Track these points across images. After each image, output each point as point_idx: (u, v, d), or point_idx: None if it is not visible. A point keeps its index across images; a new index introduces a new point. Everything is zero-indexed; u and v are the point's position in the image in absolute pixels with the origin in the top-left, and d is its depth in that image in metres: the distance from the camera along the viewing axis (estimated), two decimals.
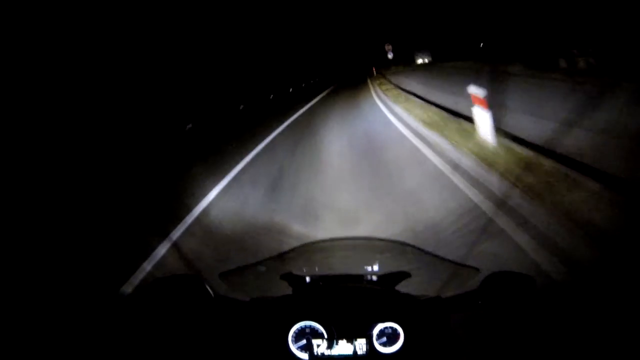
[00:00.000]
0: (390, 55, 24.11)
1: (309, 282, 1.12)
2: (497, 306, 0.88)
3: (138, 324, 1.43)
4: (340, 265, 1.44)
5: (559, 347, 1.19)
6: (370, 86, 16.74)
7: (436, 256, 1.45)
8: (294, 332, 0.92)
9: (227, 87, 22.88)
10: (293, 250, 1.53)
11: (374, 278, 1.12)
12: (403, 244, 1.58)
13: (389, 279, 1.06)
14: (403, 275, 1.06)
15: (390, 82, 15.38)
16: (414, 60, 29.35)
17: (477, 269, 1.22)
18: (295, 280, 1.08)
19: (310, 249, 1.56)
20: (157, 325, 1.04)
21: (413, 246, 1.52)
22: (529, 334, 1.04)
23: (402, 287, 1.04)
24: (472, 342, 1.02)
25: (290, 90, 26.95)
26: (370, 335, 0.91)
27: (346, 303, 0.96)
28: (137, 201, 5.10)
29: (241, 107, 17.07)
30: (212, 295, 0.92)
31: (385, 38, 36.75)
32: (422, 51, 30.33)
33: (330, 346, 0.90)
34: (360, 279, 1.14)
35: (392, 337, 0.91)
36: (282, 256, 1.51)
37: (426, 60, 29.32)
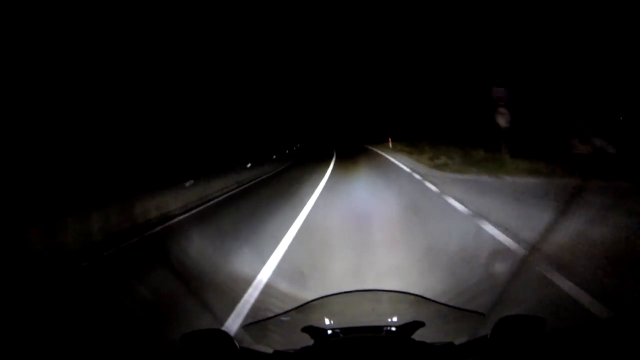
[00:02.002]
0: (504, 121, 8.78)
1: (329, 334, 1.16)
2: (509, 350, 0.90)
3: None
4: (357, 317, 1.47)
5: None
6: None
7: (442, 304, 1.47)
8: None
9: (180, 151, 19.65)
10: (312, 302, 1.57)
11: (392, 329, 1.16)
12: (412, 295, 1.63)
13: (405, 329, 1.10)
14: (418, 325, 1.10)
15: None
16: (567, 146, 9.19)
17: (482, 314, 1.26)
18: (316, 332, 1.12)
19: (327, 302, 1.60)
20: None
21: (421, 296, 1.56)
22: None
23: (417, 336, 1.08)
24: None
25: (274, 157, 23.41)
26: None
27: (365, 353, 1.00)
28: None
29: (188, 184, 10.16)
30: (238, 347, 0.97)
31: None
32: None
33: None
34: (378, 330, 1.17)
35: None
36: (301, 308, 1.56)
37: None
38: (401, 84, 35.26)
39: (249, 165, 15.74)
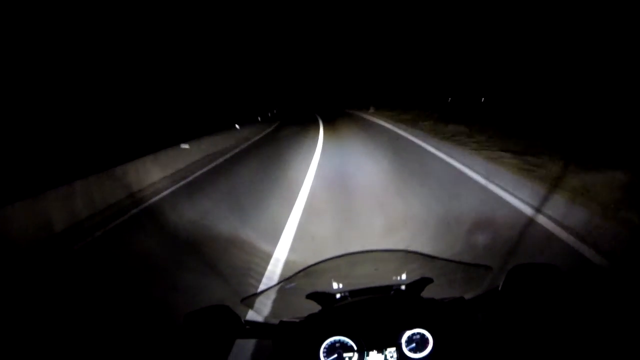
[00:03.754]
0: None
1: (334, 298, 1.14)
2: (522, 300, 0.90)
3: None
4: (361, 279, 1.46)
5: (587, 335, 1.21)
6: None
7: (446, 259, 1.47)
8: (325, 348, 0.95)
9: None
10: (311, 267, 1.53)
11: (400, 287, 1.14)
12: (414, 253, 1.62)
13: (413, 287, 1.09)
14: (426, 282, 1.08)
15: None
16: None
17: (489, 267, 1.25)
18: (322, 297, 1.10)
19: (326, 266, 1.57)
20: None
21: (423, 254, 1.55)
22: (557, 323, 1.08)
23: (425, 293, 1.07)
24: (500, 340, 1.02)
25: (237, 127, 17.87)
26: (399, 344, 0.94)
27: (373, 314, 1.00)
28: None
29: None
30: (243, 322, 0.96)
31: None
32: None
33: (361, 358, 0.93)
34: (385, 290, 1.16)
35: (421, 342, 0.94)
36: (301, 275, 1.53)
37: None
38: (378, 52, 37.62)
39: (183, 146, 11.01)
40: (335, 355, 0.94)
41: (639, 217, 3.44)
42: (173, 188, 7.56)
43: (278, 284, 1.46)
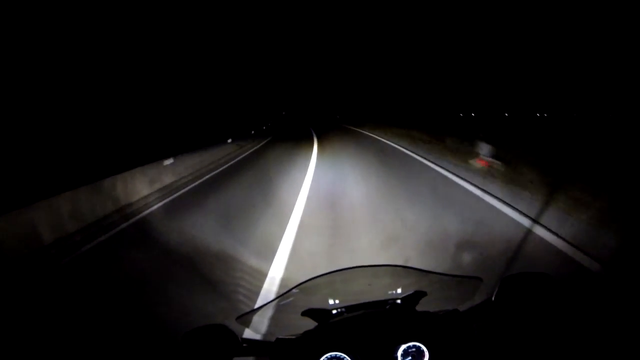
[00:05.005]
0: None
1: (329, 314, 1.14)
2: (515, 310, 0.92)
3: None
4: (355, 295, 1.44)
5: (582, 343, 1.23)
6: None
7: (437, 273, 1.50)
8: None
9: None
10: (303, 284, 1.53)
11: (396, 301, 1.15)
12: (405, 268, 1.63)
13: (408, 301, 1.09)
14: (420, 295, 1.09)
15: None
16: None
17: (479, 278, 1.27)
18: (317, 314, 1.10)
19: (319, 283, 1.56)
20: None
21: (414, 268, 1.57)
22: (551, 331, 1.09)
23: (420, 306, 1.08)
24: (495, 350, 1.05)
25: (229, 141, 16.81)
26: (395, 357, 0.94)
27: (368, 329, 1.01)
28: None
29: None
30: (240, 340, 0.96)
31: None
32: None
33: None
34: (380, 304, 1.16)
35: (417, 355, 0.94)
36: (294, 291, 1.51)
37: None
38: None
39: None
40: None
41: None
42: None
43: (272, 301, 1.46)
